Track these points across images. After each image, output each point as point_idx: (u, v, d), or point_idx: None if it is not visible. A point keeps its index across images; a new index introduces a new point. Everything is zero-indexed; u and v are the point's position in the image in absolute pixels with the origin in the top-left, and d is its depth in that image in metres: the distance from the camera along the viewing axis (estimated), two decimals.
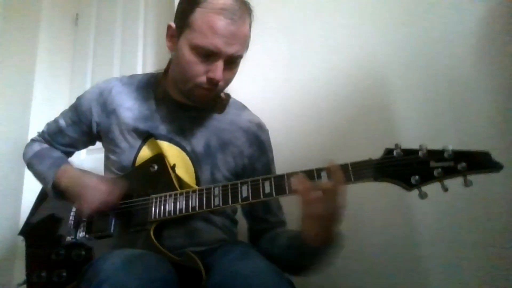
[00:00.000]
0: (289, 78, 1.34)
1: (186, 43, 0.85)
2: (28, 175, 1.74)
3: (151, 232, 0.86)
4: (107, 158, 1.04)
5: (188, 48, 0.85)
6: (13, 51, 1.95)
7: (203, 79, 0.86)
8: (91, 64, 2.05)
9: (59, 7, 2.10)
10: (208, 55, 0.83)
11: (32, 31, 1.98)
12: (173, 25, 0.89)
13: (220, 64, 0.84)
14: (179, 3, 0.90)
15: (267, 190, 0.79)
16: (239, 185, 0.81)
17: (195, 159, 0.95)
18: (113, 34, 2.00)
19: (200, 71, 0.86)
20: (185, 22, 0.84)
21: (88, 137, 1.05)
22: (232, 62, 0.87)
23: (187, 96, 0.93)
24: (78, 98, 1.05)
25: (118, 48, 1.97)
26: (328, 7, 1.32)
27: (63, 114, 1.07)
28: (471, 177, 0.63)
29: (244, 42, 0.86)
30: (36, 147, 1.06)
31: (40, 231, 1.01)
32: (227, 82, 0.92)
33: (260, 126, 1.04)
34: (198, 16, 0.82)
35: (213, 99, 0.94)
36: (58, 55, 2.06)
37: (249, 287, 0.69)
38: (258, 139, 1.02)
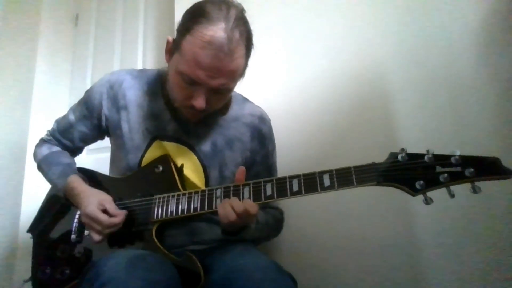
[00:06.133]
0: (289, 79, 1.34)
1: (174, 65, 0.84)
2: (28, 175, 1.75)
3: (153, 232, 0.88)
4: (114, 155, 1.05)
5: (175, 71, 0.84)
6: (13, 51, 1.95)
7: (187, 103, 0.85)
8: (91, 64, 2.05)
9: (59, 7, 2.09)
10: (192, 82, 0.82)
11: (32, 31, 1.98)
12: (171, 40, 0.88)
13: (202, 94, 0.82)
14: (180, 20, 0.86)
15: (269, 192, 0.80)
16: (241, 187, 0.83)
17: (204, 158, 0.96)
18: (113, 34, 2.00)
19: (184, 96, 0.85)
20: (177, 44, 0.83)
21: (98, 131, 1.05)
22: (218, 92, 0.85)
23: (179, 111, 0.94)
24: (87, 91, 1.04)
25: (118, 48, 1.97)
26: (328, 6, 1.31)
27: (72, 109, 1.07)
28: (479, 184, 0.62)
29: (232, 76, 0.82)
30: (45, 150, 1.06)
31: (47, 229, 1.02)
32: (217, 105, 0.90)
33: (262, 118, 1.04)
34: (187, 44, 0.79)
35: (204, 117, 0.95)
36: (58, 55, 2.06)
37: (251, 281, 0.70)
38: (260, 133, 1.03)
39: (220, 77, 0.80)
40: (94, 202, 0.88)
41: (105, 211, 0.87)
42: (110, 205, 0.88)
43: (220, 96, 0.87)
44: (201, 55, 0.77)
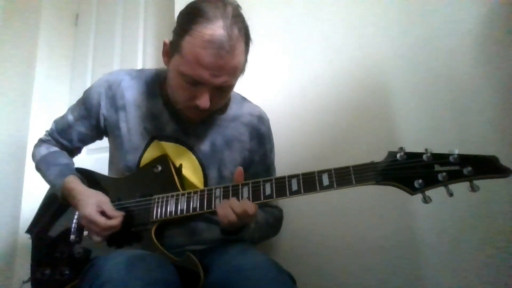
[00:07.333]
0: (289, 79, 1.34)
1: (175, 67, 0.84)
2: (28, 175, 1.75)
3: (152, 232, 0.88)
4: (112, 155, 1.05)
5: (176, 73, 0.84)
6: (13, 51, 1.95)
7: (191, 103, 0.86)
8: (91, 64, 2.05)
9: (59, 7, 2.10)
10: (194, 83, 0.82)
11: (32, 31, 1.98)
12: (167, 42, 0.88)
13: (206, 93, 0.83)
14: (176, 20, 0.86)
15: (268, 191, 0.80)
16: (240, 186, 0.83)
17: (203, 158, 0.97)
18: (113, 34, 2.00)
19: (187, 96, 0.86)
20: (176, 46, 0.83)
21: (96, 131, 1.05)
22: (221, 90, 0.85)
23: (181, 112, 0.94)
24: (86, 92, 1.04)
25: (118, 48, 1.97)
26: (328, 7, 1.31)
27: (71, 109, 1.07)
28: (477, 182, 0.62)
29: (234, 72, 0.83)
30: (43, 150, 1.06)
31: (46, 229, 1.02)
32: (220, 103, 0.91)
33: (261, 118, 1.05)
34: (186, 44, 0.79)
35: (206, 117, 0.95)
36: (58, 55, 2.06)
37: (249, 281, 0.70)
38: (258, 132, 1.03)
39: (223, 75, 0.81)
40: (92, 203, 0.87)
41: (103, 213, 0.87)
42: (108, 207, 0.88)
43: (223, 94, 0.88)
44: (202, 54, 0.77)
